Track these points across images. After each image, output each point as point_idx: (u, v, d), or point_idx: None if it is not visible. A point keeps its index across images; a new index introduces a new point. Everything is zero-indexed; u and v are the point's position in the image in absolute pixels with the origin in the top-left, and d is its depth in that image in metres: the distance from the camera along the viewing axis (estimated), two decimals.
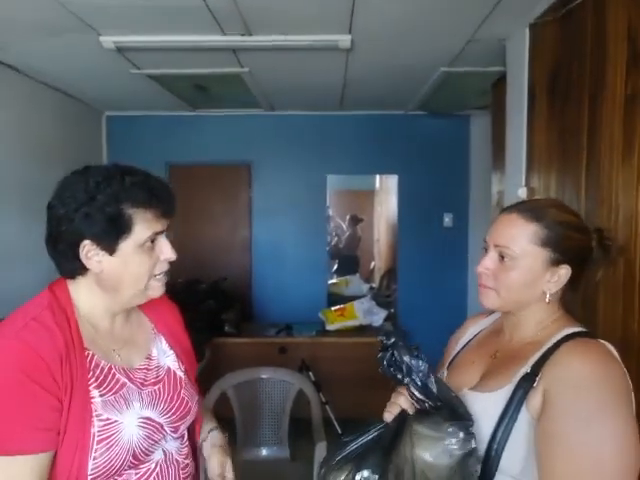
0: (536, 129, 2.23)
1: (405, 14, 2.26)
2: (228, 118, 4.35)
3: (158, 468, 1.02)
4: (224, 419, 2.36)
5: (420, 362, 0.90)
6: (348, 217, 7.31)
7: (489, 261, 0.99)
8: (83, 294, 0.98)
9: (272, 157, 4.41)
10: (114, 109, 4.27)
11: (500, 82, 2.91)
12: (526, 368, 0.92)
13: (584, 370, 0.85)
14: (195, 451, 1.18)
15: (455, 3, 2.14)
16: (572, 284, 0.98)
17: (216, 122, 4.37)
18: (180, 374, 1.10)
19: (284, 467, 2.53)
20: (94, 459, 0.89)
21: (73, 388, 0.89)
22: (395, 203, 4.67)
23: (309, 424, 2.51)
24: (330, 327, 3.89)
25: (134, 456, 0.95)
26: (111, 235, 0.93)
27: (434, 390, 0.90)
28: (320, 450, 2.31)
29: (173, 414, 1.05)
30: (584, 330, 0.95)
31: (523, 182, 2.34)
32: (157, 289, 1.02)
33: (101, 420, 0.91)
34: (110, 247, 0.94)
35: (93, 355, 0.95)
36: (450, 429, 0.85)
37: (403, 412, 0.96)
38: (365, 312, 3.94)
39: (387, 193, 6.12)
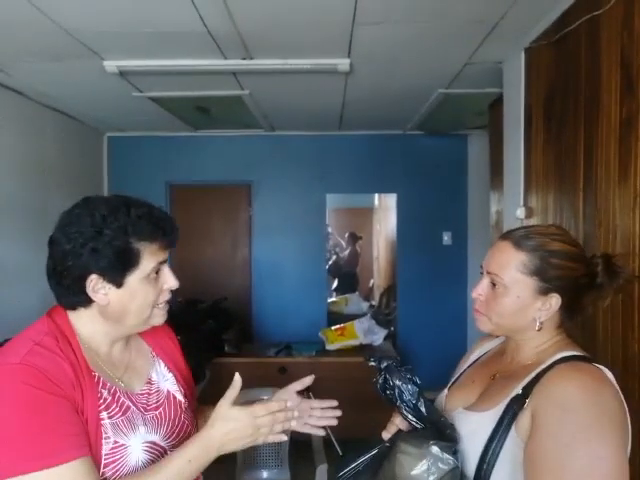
0: (533, 150, 2.27)
1: (403, 38, 2.31)
2: (228, 138, 4.39)
3: None
4: None
5: (410, 386, 0.93)
6: (347, 235, 7.33)
7: (481, 287, 1.02)
8: (83, 322, 0.98)
9: (272, 177, 4.45)
10: (115, 130, 4.32)
11: (497, 103, 2.96)
12: (517, 390, 0.92)
13: (571, 392, 0.85)
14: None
15: (452, 28, 2.19)
16: (567, 311, 0.98)
17: (216, 142, 4.41)
18: (180, 397, 1.10)
19: None
20: None
21: (85, 412, 0.88)
22: (394, 221, 4.70)
23: (309, 445, 2.49)
24: (330, 347, 3.87)
25: None
26: (119, 269, 0.93)
27: (424, 412, 0.93)
28: (321, 473, 2.29)
29: (175, 438, 1.04)
30: (580, 354, 0.95)
31: (521, 202, 2.36)
32: (160, 317, 1.03)
33: (109, 443, 0.91)
34: (117, 280, 0.94)
35: (99, 377, 0.95)
36: (433, 448, 0.87)
37: (399, 431, 0.98)
38: (365, 331, 3.93)
39: (386, 211, 6.15)
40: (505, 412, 0.91)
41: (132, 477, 0.90)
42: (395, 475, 0.89)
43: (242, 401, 1.15)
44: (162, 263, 0.99)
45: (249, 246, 4.49)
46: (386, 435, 1.00)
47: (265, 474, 2.57)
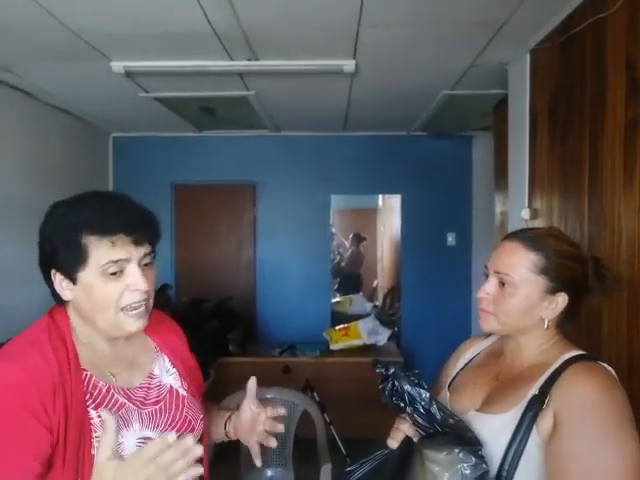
0: (538, 151, 2.27)
1: (409, 39, 2.31)
2: (233, 139, 4.41)
3: None
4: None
5: (421, 390, 0.92)
6: (351, 236, 7.34)
7: (489, 287, 1.03)
8: (76, 319, 0.99)
9: (277, 177, 4.46)
10: (121, 130, 4.34)
11: (502, 104, 2.96)
12: (534, 390, 0.93)
13: (591, 393, 0.88)
14: (200, 476, 1.16)
15: (458, 29, 2.20)
16: (570, 311, 1.01)
17: (221, 143, 4.43)
18: (183, 393, 1.10)
19: None
20: None
21: (68, 413, 0.88)
22: (398, 222, 4.71)
23: (314, 445, 2.50)
24: (334, 347, 3.88)
25: None
26: (70, 264, 0.92)
27: (438, 417, 0.91)
28: (325, 472, 2.30)
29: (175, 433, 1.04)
30: (586, 354, 0.98)
31: (526, 203, 2.37)
32: (130, 324, 0.96)
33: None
34: (71, 276, 0.93)
35: (91, 376, 0.95)
36: (461, 454, 0.86)
37: (407, 439, 0.96)
38: (369, 332, 3.93)
39: (390, 212, 6.16)
40: (525, 413, 0.92)
41: None
42: None
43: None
44: (121, 261, 0.93)
45: (253, 246, 4.50)
46: (392, 443, 0.98)
47: (269, 473, 2.58)
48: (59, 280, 0.94)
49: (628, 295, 1.53)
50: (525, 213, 2.32)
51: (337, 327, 4.05)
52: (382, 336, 3.98)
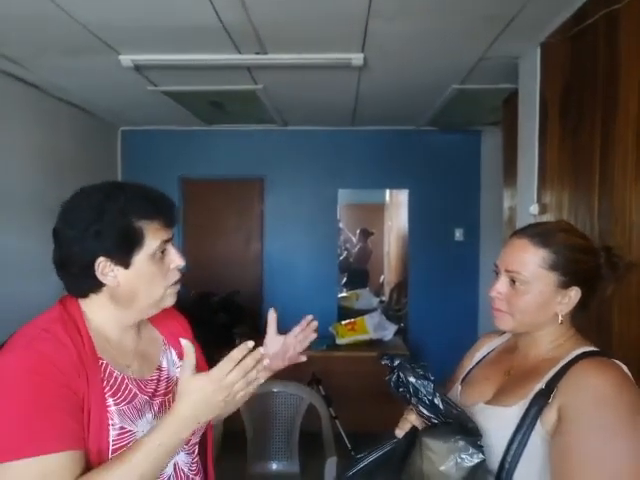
0: (548, 146, 2.25)
1: (417, 33, 2.29)
2: (241, 133, 4.41)
3: None
4: (234, 432, 2.38)
5: (426, 381, 0.93)
6: (358, 231, 7.33)
7: (501, 285, 1.02)
8: (95, 309, 0.99)
9: (285, 172, 4.46)
10: (129, 124, 4.35)
11: (511, 99, 2.93)
12: (541, 384, 0.94)
13: (601, 387, 0.87)
14: (205, 468, 1.17)
15: (467, 22, 2.18)
16: (583, 304, 1.00)
17: (229, 137, 4.43)
18: None
19: None
20: None
21: (90, 398, 0.89)
22: (406, 217, 4.69)
23: (319, 438, 2.51)
24: (340, 341, 3.88)
25: None
26: (124, 249, 0.94)
27: (441, 408, 0.92)
28: (330, 465, 2.30)
29: None
30: (598, 350, 0.97)
31: (535, 198, 2.35)
32: (171, 298, 1.03)
33: (116, 429, 0.91)
34: (124, 261, 0.94)
35: (107, 364, 0.96)
36: (460, 442, 0.87)
37: (414, 428, 0.98)
38: (376, 326, 3.93)
39: (398, 207, 6.14)
40: (530, 406, 0.92)
41: (100, 469, 0.86)
42: (423, 471, 0.89)
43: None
44: (166, 242, 0.99)
45: (261, 240, 4.51)
46: (399, 432, 1.00)
47: (275, 466, 2.60)
48: (104, 267, 0.93)
49: (638, 290, 1.51)
50: (534, 208, 2.30)
51: (344, 322, 4.05)
52: (388, 331, 3.98)
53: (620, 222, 1.63)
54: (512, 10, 2.05)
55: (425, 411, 0.93)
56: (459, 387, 1.14)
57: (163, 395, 1.05)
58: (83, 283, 0.96)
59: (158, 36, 2.30)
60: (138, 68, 2.69)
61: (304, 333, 1.24)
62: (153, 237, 0.96)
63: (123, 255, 0.94)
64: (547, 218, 2.23)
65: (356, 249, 7.37)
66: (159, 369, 1.08)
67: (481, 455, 0.87)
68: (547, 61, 2.27)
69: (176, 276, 1.02)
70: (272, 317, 1.18)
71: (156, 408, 1.01)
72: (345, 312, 4.69)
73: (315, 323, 1.24)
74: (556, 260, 0.97)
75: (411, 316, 4.54)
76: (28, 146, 3.17)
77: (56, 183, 3.40)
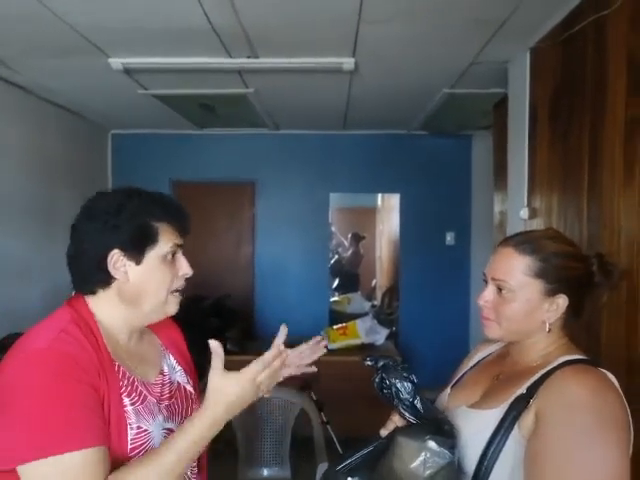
0: (538, 151, 2.26)
1: (408, 37, 2.30)
2: (233, 137, 4.40)
3: None
4: (225, 438, 2.36)
5: (407, 383, 0.94)
6: (350, 235, 7.32)
7: (488, 294, 1.03)
8: (103, 308, 1.00)
9: (276, 175, 4.45)
10: (120, 127, 4.33)
11: (502, 103, 2.95)
12: (522, 390, 0.94)
13: (577, 394, 0.86)
14: (202, 471, 1.18)
15: (458, 27, 2.19)
16: (573, 311, 1.00)
17: (221, 140, 4.42)
18: (190, 389, 1.13)
19: None
20: None
21: (110, 397, 0.91)
22: (397, 221, 4.70)
23: (310, 444, 2.49)
24: (332, 346, 3.86)
25: None
26: (139, 244, 0.97)
27: (421, 410, 0.94)
28: (321, 471, 2.29)
29: None
30: (585, 358, 0.97)
31: (525, 203, 2.36)
32: (174, 305, 1.05)
33: (134, 428, 0.93)
34: (137, 256, 0.97)
35: (119, 365, 0.97)
36: (429, 442, 0.88)
37: (397, 428, 0.98)
38: (367, 331, 3.92)
39: (389, 211, 6.15)
40: (509, 411, 0.92)
41: (133, 465, 0.88)
42: (393, 468, 0.90)
43: None
44: (179, 247, 1.03)
45: (252, 244, 4.49)
46: (384, 432, 1.02)
47: (266, 472, 2.58)
48: (117, 260, 0.96)
49: (627, 295, 1.52)
50: (524, 212, 2.31)
51: (335, 326, 4.04)
52: (380, 335, 3.96)
53: (609, 227, 1.63)
54: (502, 15, 2.06)
55: (406, 412, 0.94)
56: (448, 390, 1.15)
57: (168, 399, 1.06)
58: (93, 277, 0.97)
59: (148, 39, 2.29)
60: (128, 71, 2.68)
61: (312, 349, 1.22)
62: (167, 239, 1.00)
63: (136, 250, 0.97)
64: (537, 222, 2.24)
65: (348, 253, 7.37)
66: (162, 373, 1.09)
67: (450, 455, 0.87)
68: (537, 66, 2.29)
69: (181, 283, 1.05)
70: (284, 331, 1.16)
71: (165, 412, 1.03)
72: (336, 316, 4.68)
73: (325, 342, 1.24)
74: (542, 268, 0.97)
75: (402, 320, 4.54)
76: (16, 149, 3.14)
77: (44, 186, 3.37)
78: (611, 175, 1.63)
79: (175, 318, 1.25)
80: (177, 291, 1.04)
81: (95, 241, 0.96)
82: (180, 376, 1.13)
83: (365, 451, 1.03)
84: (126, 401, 0.94)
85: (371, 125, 4.18)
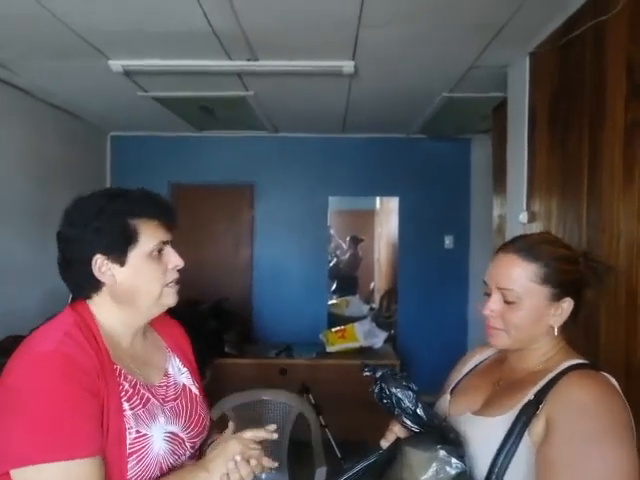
0: (537, 154, 2.26)
1: (408, 41, 2.31)
2: (232, 139, 4.40)
3: None
4: None
5: (408, 392, 0.94)
6: (349, 238, 7.32)
7: (494, 303, 1.01)
8: (102, 311, 1.00)
9: (275, 178, 4.45)
10: (119, 129, 4.33)
11: (501, 107, 2.95)
12: (529, 396, 0.93)
13: (586, 399, 0.87)
14: None
15: (457, 31, 2.19)
16: (573, 314, 1.00)
17: (220, 143, 4.42)
18: (195, 391, 1.14)
19: None
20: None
21: (109, 402, 0.91)
22: (396, 224, 4.69)
23: (308, 447, 2.48)
24: (330, 349, 3.86)
25: (160, 471, 0.97)
26: (119, 246, 0.97)
27: (424, 418, 0.93)
28: (320, 475, 2.28)
29: (192, 429, 1.07)
30: (587, 362, 0.97)
31: (524, 206, 2.36)
32: (171, 296, 1.05)
33: (132, 433, 0.93)
34: (120, 258, 0.97)
35: (121, 369, 0.97)
36: (440, 452, 0.87)
37: (398, 439, 0.98)
38: (366, 334, 3.92)
39: (388, 214, 6.15)
40: (518, 417, 0.92)
41: None
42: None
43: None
44: (165, 243, 1.02)
45: (251, 247, 4.49)
46: (385, 443, 1.01)
47: (263, 476, 2.56)
48: (101, 265, 0.96)
49: (626, 298, 1.52)
50: (523, 216, 2.31)
51: (333, 329, 4.03)
52: (378, 338, 3.96)
53: (608, 231, 1.64)
54: (502, 19, 2.07)
55: (408, 421, 0.93)
56: (448, 397, 1.14)
57: (172, 400, 1.07)
58: (84, 282, 0.98)
59: (148, 41, 2.29)
60: (128, 73, 2.68)
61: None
62: (150, 236, 0.99)
63: (118, 252, 0.97)
64: (536, 226, 2.24)
65: (346, 256, 7.36)
66: (166, 375, 1.10)
67: (462, 465, 0.87)
68: (536, 70, 2.29)
69: (174, 276, 1.04)
70: (231, 428, 1.10)
71: (168, 413, 1.03)
72: (335, 319, 4.68)
73: (275, 435, 1.11)
74: (546, 273, 0.97)
75: (401, 323, 4.53)
76: (15, 150, 3.13)
77: (43, 188, 3.36)
78: (610, 179, 1.63)
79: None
80: (173, 282, 1.04)
81: (78, 248, 0.97)
82: (186, 378, 1.14)
83: (366, 463, 1.01)
84: (125, 405, 0.94)
85: (370, 128, 4.19)
